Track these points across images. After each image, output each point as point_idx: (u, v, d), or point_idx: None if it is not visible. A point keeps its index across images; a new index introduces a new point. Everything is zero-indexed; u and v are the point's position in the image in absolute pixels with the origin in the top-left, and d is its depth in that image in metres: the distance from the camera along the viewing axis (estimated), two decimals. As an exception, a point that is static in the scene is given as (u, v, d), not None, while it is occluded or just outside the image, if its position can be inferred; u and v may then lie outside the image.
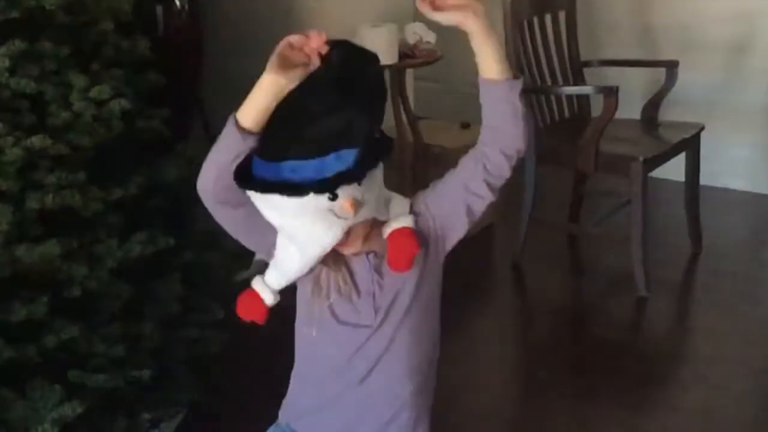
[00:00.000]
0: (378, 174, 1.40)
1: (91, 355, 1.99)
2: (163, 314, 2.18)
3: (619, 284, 3.48)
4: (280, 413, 1.64)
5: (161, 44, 3.14)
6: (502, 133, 1.43)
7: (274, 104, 1.29)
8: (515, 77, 1.41)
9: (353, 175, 1.33)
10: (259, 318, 1.45)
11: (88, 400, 1.92)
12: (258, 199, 1.36)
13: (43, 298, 1.91)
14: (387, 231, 1.43)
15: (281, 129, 1.31)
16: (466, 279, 3.46)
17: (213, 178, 1.35)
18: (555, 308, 3.40)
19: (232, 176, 1.33)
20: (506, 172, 1.46)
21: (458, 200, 1.47)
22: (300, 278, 1.46)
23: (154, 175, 2.18)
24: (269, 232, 1.42)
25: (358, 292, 1.47)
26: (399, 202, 1.47)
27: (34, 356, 1.89)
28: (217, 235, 2.35)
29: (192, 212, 2.34)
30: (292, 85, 1.29)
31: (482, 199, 1.46)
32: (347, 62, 1.32)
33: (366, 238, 1.42)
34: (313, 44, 1.29)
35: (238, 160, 1.32)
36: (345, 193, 1.33)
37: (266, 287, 1.45)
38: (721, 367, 2.89)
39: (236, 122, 1.31)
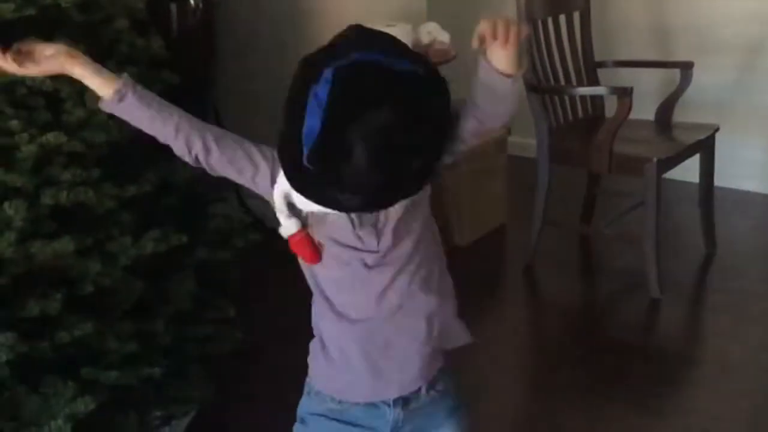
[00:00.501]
0: None
1: (103, 352, 2.00)
2: (176, 312, 2.18)
3: (632, 286, 3.47)
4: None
5: (175, 43, 3.15)
6: (490, 114, 1.45)
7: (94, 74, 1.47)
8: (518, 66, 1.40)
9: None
10: (313, 251, 1.47)
11: (101, 397, 1.93)
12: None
13: (57, 294, 1.91)
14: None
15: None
16: (478, 280, 3.46)
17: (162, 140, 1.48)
18: (567, 309, 3.39)
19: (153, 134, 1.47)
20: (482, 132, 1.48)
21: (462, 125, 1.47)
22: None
23: (168, 172, 2.19)
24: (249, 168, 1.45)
25: (360, 222, 1.46)
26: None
27: (48, 352, 1.90)
28: (229, 233, 2.37)
29: (205, 210, 2.35)
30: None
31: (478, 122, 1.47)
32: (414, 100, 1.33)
33: None
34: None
35: (142, 108, 1.46)
36: None
37: (288, 222, 1.45)
38: (735, 369, 2.88)
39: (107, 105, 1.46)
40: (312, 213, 1.45)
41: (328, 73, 1.32)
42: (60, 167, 1.96)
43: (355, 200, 1.35)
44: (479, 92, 1.44)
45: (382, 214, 1.45)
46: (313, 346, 1.60)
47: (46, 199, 1.93)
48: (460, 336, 1.59)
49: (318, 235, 1.47)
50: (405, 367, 1.54)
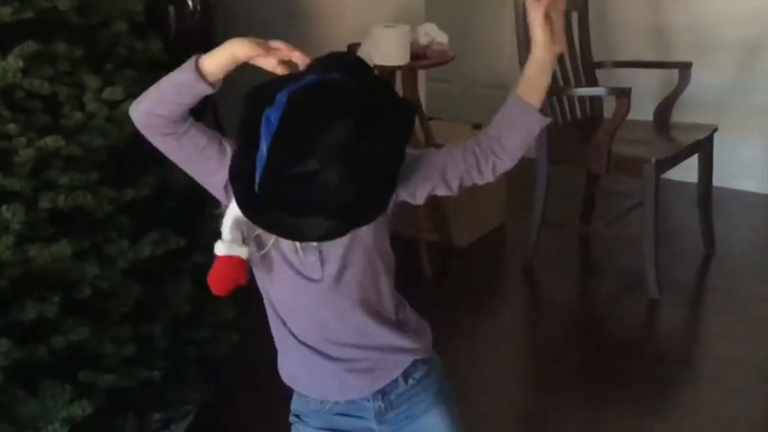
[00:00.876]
0: None
1: (101, 355, 2.00)
2: (174, 315, 2.18)
3: (631, 286, 3.47)
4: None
5: (174, 45, 3.15)
6: (505, 151, 1.43)
7: (229, 68, 1.37)
8: (544, 112, 1.43)
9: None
10: (241, 278, 1.45)
11: (99, 400, 1.93)
12: None
13: (55, 297, 1.92)
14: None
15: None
16: (477, 280, 3.46)
17: (147, 104, 1.40)
18: (566, 309, 3.39)
19: (165, 111, 1.38)
20: (480, 182, 1.45)
21: (428, 180, 1.46)
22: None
23: (166, 176, 2.18)
24: (213, 165, 1.43)
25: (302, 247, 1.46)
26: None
27: (45, 356, 1.90)
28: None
29: (203, 213, 2.35)
30: (246, 57, 1.36)
31: (449, 191, 1.47)
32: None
33: None
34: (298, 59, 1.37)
35: (184, 99, 1.37)
36: None
37: (231, 244, 1.44)
38: (734, 369, 2.88)
39: (199, 65, 1.36)
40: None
41: (282, 97, 1.33)
42: (58, 171, 1.96)
43: (314, 223, 1.33)
44: (500, 127, 1.43)
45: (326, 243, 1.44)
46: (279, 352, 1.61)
47: (44, 202, 1.93)
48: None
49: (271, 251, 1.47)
50: (358, 376, 1.56)
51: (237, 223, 1.44)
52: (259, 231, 1.45)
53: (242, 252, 1.45)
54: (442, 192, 1.47)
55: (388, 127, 1.34)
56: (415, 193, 1.46)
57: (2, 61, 1.93)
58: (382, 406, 1.58)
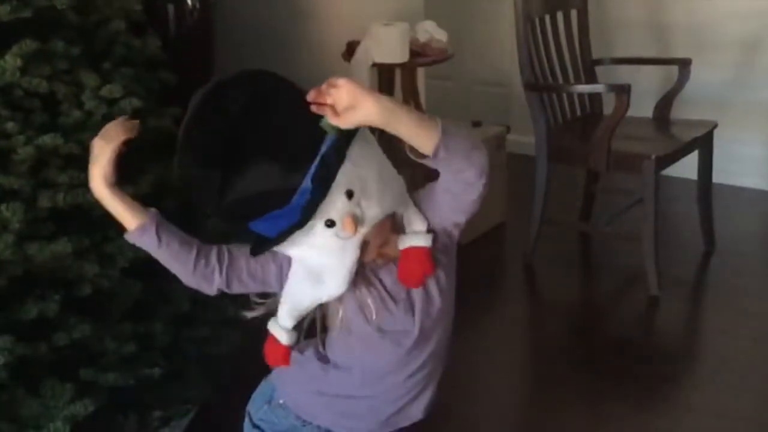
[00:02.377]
0: (367, 171, 1.35)
1: (102, 354, 2.00)
2: (174, 313, 2.18)
3: (631, 283, 3.47)
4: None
5: (173, 43, 3.15)
6: (456, 177, 1.40)
7: (124, 202, 1.48)
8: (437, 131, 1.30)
9: (317, 199, 1.31)
10: (283, 362, 1.48)
11: (100, 398, 1.93)
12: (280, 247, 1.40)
13: (55, 296, 1.92)
14: (403, 244, 1.42)
15: (243, 195, 1.32)
16: (477, 277, 3.46)
17: (184, 275, 1.53)
18: (566, 307, 3.39)
19: (192, 269, 1.49)
20: (474, 194, 1.45)
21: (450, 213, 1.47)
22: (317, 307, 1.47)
23: (165, 174, 2.18)
24: (267, 267, 1.47)
25: (394, 300, 1.46)
26: (417, 218, 1.44)
27: (46, 354, 1.90)
28: (227, 234, 2.36)
29: (203, 212, 2.34)
30: (107, 171, 1.48)
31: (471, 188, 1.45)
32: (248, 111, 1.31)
33: (385, 242, 1.41)
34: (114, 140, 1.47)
35: (167, 250, 1.49)
36: (338, 212, 1.33)
37: (281, 329, 1.47)
38: (734, 366, 2.88)
39: (133, 234, 1.47)
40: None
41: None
42: (57, 169, 1.96)
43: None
44: (441, 172, 1.40)
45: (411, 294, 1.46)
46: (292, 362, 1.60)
47: (44, 201, 1.93)
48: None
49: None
50: (368, 421, 1.58)
51: (293, 310, 1.47)
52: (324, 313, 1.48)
53: (283, 338, 1.47)
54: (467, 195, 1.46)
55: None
56: (454, 221, 1.47)
57: (1, 60, 1.93)
58: None
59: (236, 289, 1.50)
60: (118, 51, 2.24)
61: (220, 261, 1.49)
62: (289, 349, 1.47)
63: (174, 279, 2.19)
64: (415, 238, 1.42)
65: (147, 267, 2.11)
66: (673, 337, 3.20)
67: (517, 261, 3.64)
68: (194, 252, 1.49)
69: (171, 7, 3.42)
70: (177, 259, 1.50)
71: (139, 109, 2.11)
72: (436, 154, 1.30)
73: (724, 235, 3.70)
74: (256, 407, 1.67)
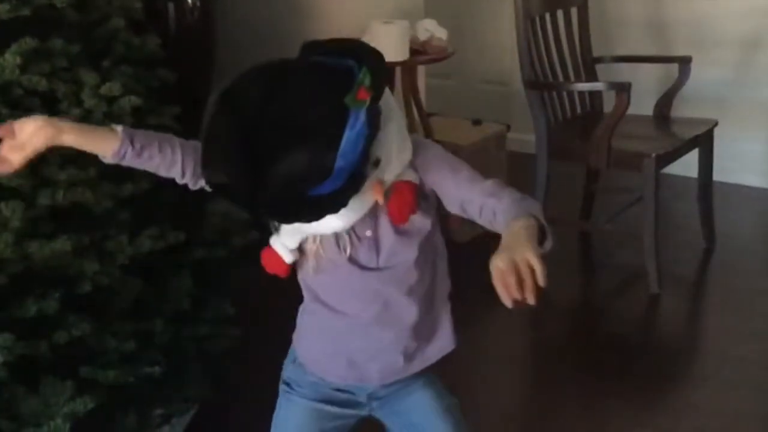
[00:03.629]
0: (390, 135, 1.39)
1: (102, 351, 2.00)
2: (174, 310, 2.18)
3: (632, 281, 3.47)
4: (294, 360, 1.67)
5: (173, 41, 3.15)
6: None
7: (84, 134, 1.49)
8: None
9: (352, 189, 1.33)
10: (282, 272, 1.52)
11: (100, 396, 1.93)
12: None
13: (55, 294, 1.92)
14: (392, 173, 1.43)
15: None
16: (477, 276, 3.44)
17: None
18: (567, 305, 3.39)
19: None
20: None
21: (449, 199, 1.51)
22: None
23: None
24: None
25: (359, 238, 1.49)
26: (405, 148, 1.45)
27: (46, 352, 1.90)
28: (227, 231, 2.37)
29: (203, 208, 2.35)
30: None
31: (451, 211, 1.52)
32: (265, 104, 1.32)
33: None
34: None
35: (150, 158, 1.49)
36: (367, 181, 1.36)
37: (284, 247, 1.50)
38: (735, 363, 2.88)
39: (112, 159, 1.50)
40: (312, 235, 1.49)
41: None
42: (56, 167, 1.96)
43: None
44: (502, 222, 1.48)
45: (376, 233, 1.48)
46: (299, 320, 1.64)
47: (43, 199, 1.93)
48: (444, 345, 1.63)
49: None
50: (384, 367, 1.59)
51: (295, 232, 1.49)
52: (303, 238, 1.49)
53: (286, 257, 1.50)
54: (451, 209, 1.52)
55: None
56: (437, 194, 1.49)
57: (0, 58, 1.92)
58: (378, 388, 1.62)
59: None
60: (118, 49, 2.24)
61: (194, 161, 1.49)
62: (289, 265, 1.51)
63: (174, 276, 2.20)
64: (406, 171, 1.45)
65: (147, 264, 2.12)
66: (673, 334, 3.20)
67: (517, 259, 3.63)
68: (177, 152, 1.52)
69: (171, 6, 3.42)
70: (153, 163, 1.52)
71: (138, 107, 2.11)
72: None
73: (725, 233, 3.69)
74: (285, 365, 1.69)
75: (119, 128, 1.49)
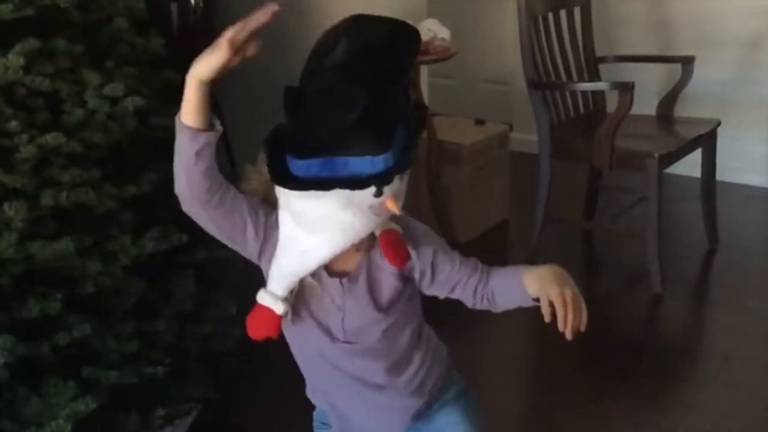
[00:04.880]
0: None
1: (104, 352, 2.00)
2: (177, 311, 2.18)
3: (635, 281, 3.47)
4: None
5: (176, 42, 3.15)
6: (494, 305, 1.55)
7: (201, 101, 1.34)
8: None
9: (406, 164, 1.34)
10: (273, 332, 1.47)
11: (102, 397, 1.93)
12: (293, 195, 1.36)
13: (57, 294, 1.91)
14: (377, 231, 1.45)
15: (328, 125, 1.30)
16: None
17: (184, 180, 1.40)
18: (570, 305, 3.38)
19: (201, 175, 1.38)
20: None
21: (439, 283, 1.54)
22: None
23: (168, 172, 2.17)
24: (249, 231, 1.45)
25: (328, 309, 1.50)
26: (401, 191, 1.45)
27: (48, 352, 1.90)
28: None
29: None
30: (209, 76, 1.33)
31: (441, 296, 1.57)
32: (369, 46, 1.33)
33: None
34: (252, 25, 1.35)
35: (201, 160, 1.36)
36: (388, 189, 1.35)
37: (274, 298, 1.46)
38: (737, 363, 2.88)
39: (182, 123, 1.36)
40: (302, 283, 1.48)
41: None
42: (59, 168, 1.96)
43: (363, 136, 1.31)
44: (501, 297, 1.52)
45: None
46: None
47: (46, 199, 1.93)
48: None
49: (299, 308, 1.50)
50: (402, 417, 1.61)
51: (283, 278, 1.46)
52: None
53: (277, 307, 1.46)
54: (439, 296, 1.56)
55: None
56: (431, 276, 1.52)
57: (3, 59, 1.92)
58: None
59: (202, 217, 1.47)
60: (121, 49, 2.23)
61: (232, 199, 1.44)
62: (280, 318, 1.46)
63: (176, 277, 2.20)
64: (390, 223, 1.46)
65: (150, 265, 2.12)
66: (676, 334, 3.19)
67: (520, 259, 3.63)
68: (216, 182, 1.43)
69: (174, 6, 3.42)
70: (194, 173, 1.41)
71: (141, 108, 2.11)
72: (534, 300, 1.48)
73: (728, 233, 3.69)
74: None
75: (218, 126, 1.40)
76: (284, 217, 1.41)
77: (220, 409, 2.47)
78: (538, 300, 1.46)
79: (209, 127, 1.37)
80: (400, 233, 1.47)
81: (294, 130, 1.33)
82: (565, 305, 1.39)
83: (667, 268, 3.30)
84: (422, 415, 1.63)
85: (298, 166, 1.32)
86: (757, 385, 2.78)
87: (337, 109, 1.29)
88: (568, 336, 1.38)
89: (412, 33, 1.39)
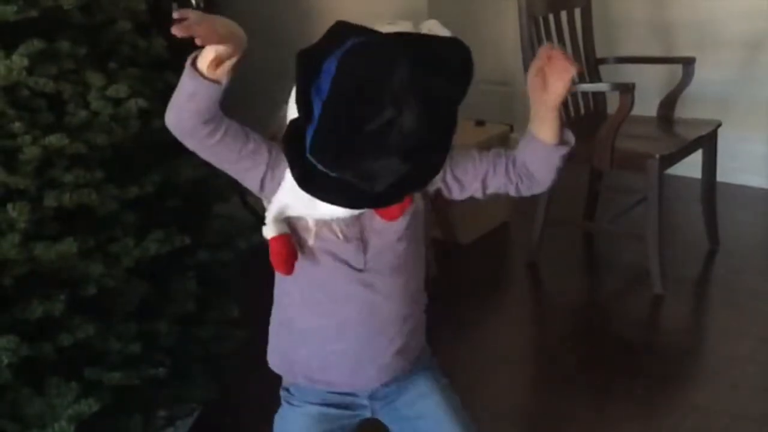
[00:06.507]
0: None
1: (107, 353, 2.00)
2: (179, 312, 2.18)
3: (635, 282, 3.47)
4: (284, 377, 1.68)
5: (178, 43, 3.14)
6: (534, 179, 1.55)
7: (216, 60, 1.34)
8: (564, 142, 1.52)
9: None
10: (296, 253, 1.49)
11: (104, 398, 1.93)
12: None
13: (60, 296, 1.92)
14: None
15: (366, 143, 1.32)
16: (481, 277, 3.46)
17: (173, 114, 1.41)
18: (571, 306, 3.39)
19: (191, 115, 1.38)
20: (519, 195, 1.59)
21: (467, 184, 1.55)
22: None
23: (171, 174, 2.19)
24: (247, 162, 1.43)
25: (347, 237, 1.49)
26: None
27: (51, 354, 1.91)
28: (232, 234, 2.37)
29: (208, 211, 2.35)
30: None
31: (481, 195, 1.58)
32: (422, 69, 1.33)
33: None
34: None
35: (193, 102, 1.36)
36: None
37: (277, 223, 1.47)
38: (737, 364, 2.88)
39: (193, 63, 1.36)
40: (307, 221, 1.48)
41: (329, 64, 1.33)
42: (63, 169, 1.96)
43: (388, 166, 1.32)
44: (526, 158, 1.52)
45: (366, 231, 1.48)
46: (276, 337, 1.64)
47: (49, 200, 1.93)
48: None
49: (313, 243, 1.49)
50: (381, 367, 1.59)
51: (280, 213, 1.47)
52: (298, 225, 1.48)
53: (270, 230, 1.47)
54: (477, 195, 1.57)
55: (446, 66, 1.38)
56: (457, 184, 1.53)
57: (7, 60, 1.93)
58: (380, 387, 1.63)
59: (219, 146, 1.42)
60: (124, 51, 2.24)
61: (225, 133, 1.42)
62: (289, 239, 1.47)
63: (179, 278, 2.21)
64: None
65: (152, 266, 2.13)
66: (677, 335, 3.20)
67: (520, 260, 3.64)
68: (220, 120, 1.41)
69: (175, 7, 3.42)
70: (184, 111, 1.40)
71: (145, 109, 2.12)
72: (558, 149, 1.52)
73: (729, 234, 3.69)
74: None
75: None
76: None
77: (221, 410, 2.47)
78: (561, 141, 1.51)
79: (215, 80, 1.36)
80: None
81: (313, 141, 1.34)
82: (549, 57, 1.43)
83: (667, 269, 3.31)
84: (393, 386, 1.63)
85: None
86: (758, 385, 2.78)
87: (366, 182, 1.34)
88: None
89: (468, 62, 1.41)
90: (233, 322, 2.35)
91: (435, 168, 1.43)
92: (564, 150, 1.50)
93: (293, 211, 1.47)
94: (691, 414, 2.64)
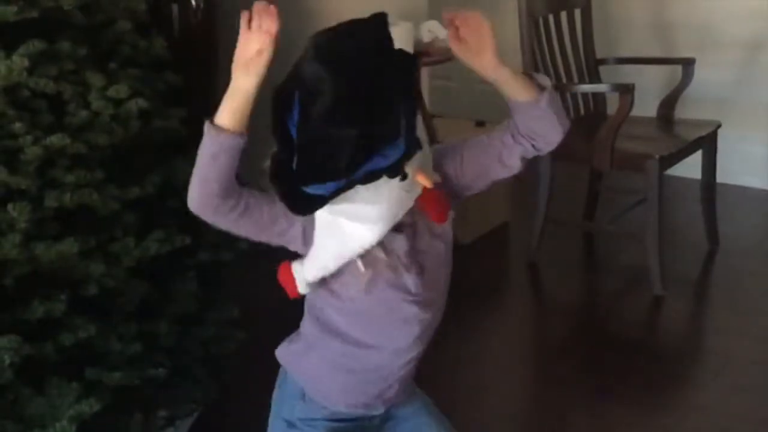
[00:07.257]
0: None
1: (107, 353, 2.00)
2: (179, 313, 2.18)
3: (635, 282, 3.48)
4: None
5: (177, 43, 3.15)
6: (544, 134, 1.51)
7: (246, 106, 1.34)
8: (542, 88, 1.45)
9: (414, 147, 1.37)
10: (292, 293, 1.50)
11: (105, 398, 1.93)
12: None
13: (61, 296, 1.92)
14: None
15: (329, 165, 1.32)
16: (481, 277, 3.46)
17: (197, 184, 1.39)
18: (570, 306, 3.39)
19: (213, 181, 1.37)
20: (544, 151, 1.54)
21: (488, 168, 1.53)
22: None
23: (171, 174, 2.19)
24: (282, 222, 1.44)
25: (404, 265, 1.49)
26: (426, 157, 1.47)
27: (52, 354, 1.91)
28: (232, 234, 2.36)
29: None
30: (256, 81, 1.34)
31: (510, 171, 1.54)
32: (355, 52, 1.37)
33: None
34: (264, 28, 1.38)
35: (218, 163, 1.35)
36: (410, 166, 1.37)
37: (302, 277, 1.48)
38: (738, 364, 2.88)
39: (211, 123, 1.35)
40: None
41: (296, 97, 1.34)
42: (64, 169, 1.97)
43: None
44: (524, 124, 1.50)
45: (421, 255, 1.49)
46: (304, 359, 1.63)
47: (50, 201, 1.93)
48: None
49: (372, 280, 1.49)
50: (404, 385, 1.61)
51: (325, 260, 1.46)
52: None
53: (301, 287, 1.50)
54: (504, 175, 1.55)
55: (392, 62, 1.45)
56: (474, 188, 1.54)
57: (7, 60, 1.93)
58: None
59: (225, 224, 1.45)
60: (124, 51, 2.24)
61: (246, 203, 1.43)
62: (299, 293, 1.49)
63: (179, 279, 2.21)
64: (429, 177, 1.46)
65: (153, 267, 2.13)
66: (677, 336, 3.20)
67: (520, 260, 3.64)
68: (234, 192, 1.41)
69: (175, 8, 3.42)
70: (211, 179, 1.39)
71: (145, 109, 2.12)
72: (539, 101, 1.42)
73: (728, 235, 3.70)
74: (288, 408, 1.64)
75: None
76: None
77: (221, 411, 2.47)
78: (538, 90, 1.45)
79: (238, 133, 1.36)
80: (435, 188, 1.45)
81: (297, 167, 1.33)
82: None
83: (667, 270, 3.31)
84: (402, 410, 1.65)
85: (312, 188, 1.34)
86: (757, 385, 2.78)
87: (334, 154, 1.32)
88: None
89: (385, 38, 1.42)
90: (233, 323, 2.35)
91: (391, 123, 1.39)
92: (546, 97, 1.44)
93: (333, 263, 1.46)
94: (690, 414, 2.64)
